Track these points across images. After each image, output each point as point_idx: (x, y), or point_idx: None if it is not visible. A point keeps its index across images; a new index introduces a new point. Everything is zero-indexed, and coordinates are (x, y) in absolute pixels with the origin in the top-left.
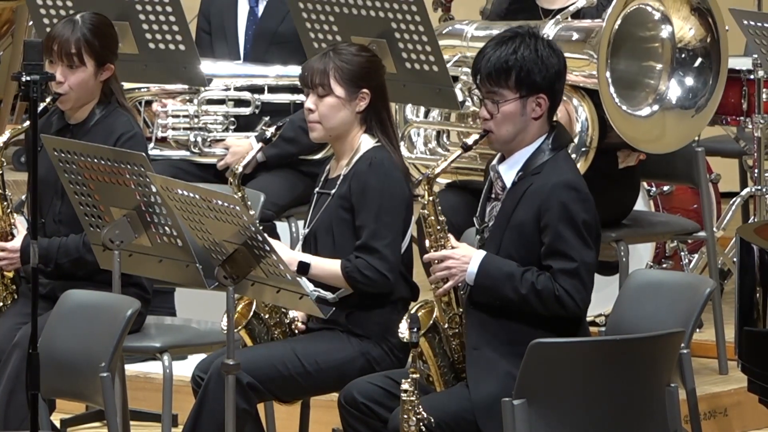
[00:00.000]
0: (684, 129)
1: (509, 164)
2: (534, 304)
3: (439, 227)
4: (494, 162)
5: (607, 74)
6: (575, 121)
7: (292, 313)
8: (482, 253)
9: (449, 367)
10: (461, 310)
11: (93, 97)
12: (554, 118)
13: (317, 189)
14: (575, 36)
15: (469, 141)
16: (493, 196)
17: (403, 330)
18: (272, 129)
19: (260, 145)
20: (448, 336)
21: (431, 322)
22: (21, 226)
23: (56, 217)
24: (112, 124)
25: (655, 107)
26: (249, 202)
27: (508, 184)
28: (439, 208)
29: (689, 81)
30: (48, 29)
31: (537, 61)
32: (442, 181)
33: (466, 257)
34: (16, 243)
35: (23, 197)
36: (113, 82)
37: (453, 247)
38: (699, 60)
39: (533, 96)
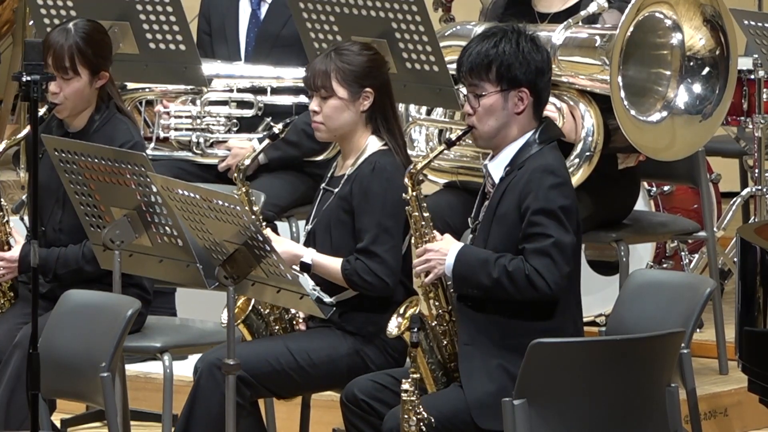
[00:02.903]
0: (693, 135)
1: (498, 161)
2: (507, 287)
3: (423, 223)
4: (486, 161)
5: (619, 80)
6: (581, 126)
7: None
8: (460, 244)
9: (437, 364)
10: (450, 307)
11: (89, 105)
12: (561, 124)
13: (323, 185)
14: (587, 42)
15: (453, 137)
16: (486, 194)
17: (392, 327)
18: (280, 126)
19: (267, 141)
20: (437, 333)
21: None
22: (18, 235)
23: (56, 225)
24: (111, 132)
25: (664, 113)
26: (253, 198)
27: (497, 180)
28: (424, 204)
29: (697, 88)
30: (48, 29)
31: (518, 56)
32: (441, 180)
33: (444, 249)
34: (14, 253)
35: (24, 197)
36: (110, 86)
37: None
38: (707, 69)
39: (515, 90)
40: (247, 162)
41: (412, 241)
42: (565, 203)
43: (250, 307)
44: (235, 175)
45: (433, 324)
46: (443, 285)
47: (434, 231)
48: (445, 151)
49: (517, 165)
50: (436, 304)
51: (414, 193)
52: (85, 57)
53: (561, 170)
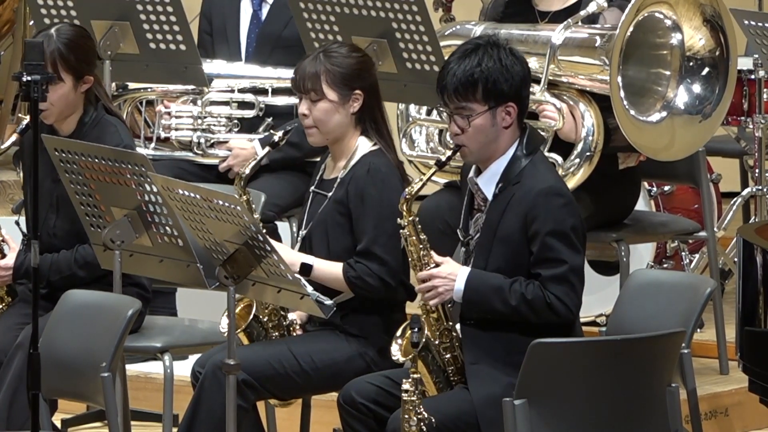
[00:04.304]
0: (692, 135)
1: (487, 176)
2: (526, 314)
3: (421, 246)
4: (471, 174)
5: (619, 80)
6: (581, 126)
7: (291, 316)
8: (467, 269)
9: (445, 382)
10: (451, 324)
11: (76, 109)
12: (558, 126)
13: (312, 188)
14: (587, 42)
15: (443, 158)
16: (475, 207)
17: (395, 352)
18: (279, 133)
19: (267, 149)
20: (440, 351)
21: (423, 340)
22: (13, 242)
23: (51, 230)
24: (100, 136)
25: (664, 113)
26: (254, 206)
27: (490, 197)
28: (419, 226)
29: (697, 88)
30: None
31: (502, 71)
32: (441, 180)
33: (452, 275)
34: (9, 261)
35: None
36: (97, 88)
37: (437, 264)
38: (707, 69)
39: (502, 106)
40: (248, 171)
41: (411, 263)
42: (575, 222)
43: (251, 316)
44: (236, 182)
45: (436, 342)
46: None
47: (432, 252)
48: (429, 173)
49: (511, 181)
50: (438, 321)
51: (410, 218)
52: (68, 63)
53: (564, 189)
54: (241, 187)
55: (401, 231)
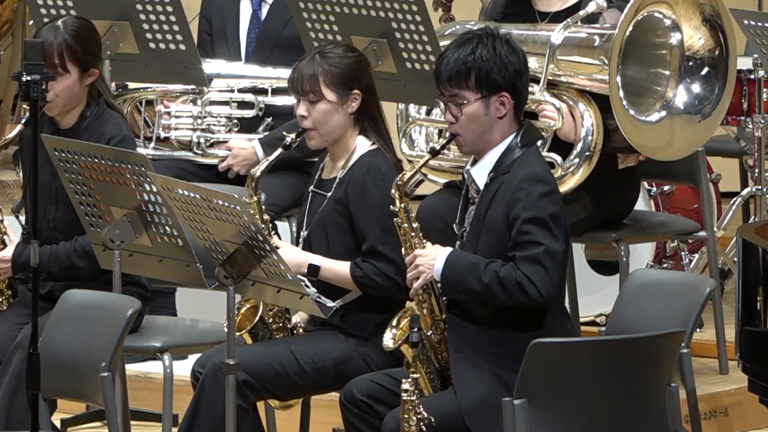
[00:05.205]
0: (692, 135)
1: (481, 166)
2: (497, 293)
3: (413, 233)
4: (467, 166)
5: (618, 80)
6: (580, 126)
7: (294, 318)
8: (449, 249)
9: (435, 373)
10: (444, 316)
11: (80, 102)
12: (557, 126)
13: (311, 188)
14: (586, 41)
15: (437, 146)
16: (470, 201)
17: (387, 340)
18: (292, 135)
19: (279, 150)
20: (433, 342)
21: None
22: (13, 234)
23: (51, 223)
24: (101, 127)
25: (663, 113)
26: (264, 206)
27: (481, 186)
28: (413, 215)
29: (696, 88)
30: None
31: (495, 60)
32: (441, 180)
33: (432, 254)
34: (7, 252)
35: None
36: (100, 83)
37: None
38: (706, 69)
39: (495, 95)
40: (259, 173)
41: (403, 251)
42: (554, 211)
43: (257, 318)
44: (248, 182)
45: (429, 333)
46: (435, 293)
47: (424, 241)
48: (443, 152)
49: (502, 170)
50: (431, 313)
51: (402, 205)
52: (75, 54)
53: (548, 177)
54: (253, 188)
55: (395, 219)
